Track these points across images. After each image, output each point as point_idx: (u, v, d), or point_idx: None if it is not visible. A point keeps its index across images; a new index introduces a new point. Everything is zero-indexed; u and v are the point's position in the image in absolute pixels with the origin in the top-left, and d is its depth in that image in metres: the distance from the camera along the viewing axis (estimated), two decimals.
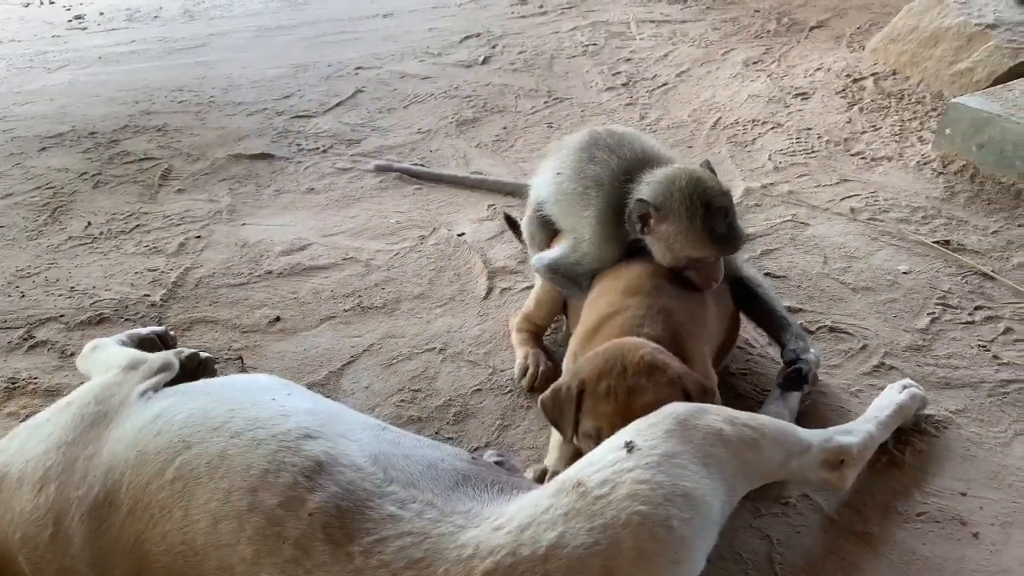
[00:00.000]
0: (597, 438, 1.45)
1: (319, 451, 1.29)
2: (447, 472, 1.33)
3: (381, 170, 3.02)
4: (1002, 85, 2.93)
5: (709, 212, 1.69)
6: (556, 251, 1.95)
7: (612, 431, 1.41)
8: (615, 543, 1.15)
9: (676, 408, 1.35)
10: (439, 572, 1.17)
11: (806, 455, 1.43)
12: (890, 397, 1.72)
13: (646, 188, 1.75)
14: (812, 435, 1.47)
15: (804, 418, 1.77)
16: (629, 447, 1.26)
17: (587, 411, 1.48)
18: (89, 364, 1.72)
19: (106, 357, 1.68)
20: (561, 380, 1.56)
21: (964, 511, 1.58)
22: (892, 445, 1.71)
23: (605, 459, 1.26)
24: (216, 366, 1.82)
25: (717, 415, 1.35)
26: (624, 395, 1.45)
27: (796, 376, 1.74)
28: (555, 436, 1.66)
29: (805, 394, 1.83)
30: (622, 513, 1.16)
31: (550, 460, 1.64)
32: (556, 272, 1.92)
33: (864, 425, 1.59)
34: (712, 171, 1.79)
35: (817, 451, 1.44)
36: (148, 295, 2.36)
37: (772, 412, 1.70)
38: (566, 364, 1.76)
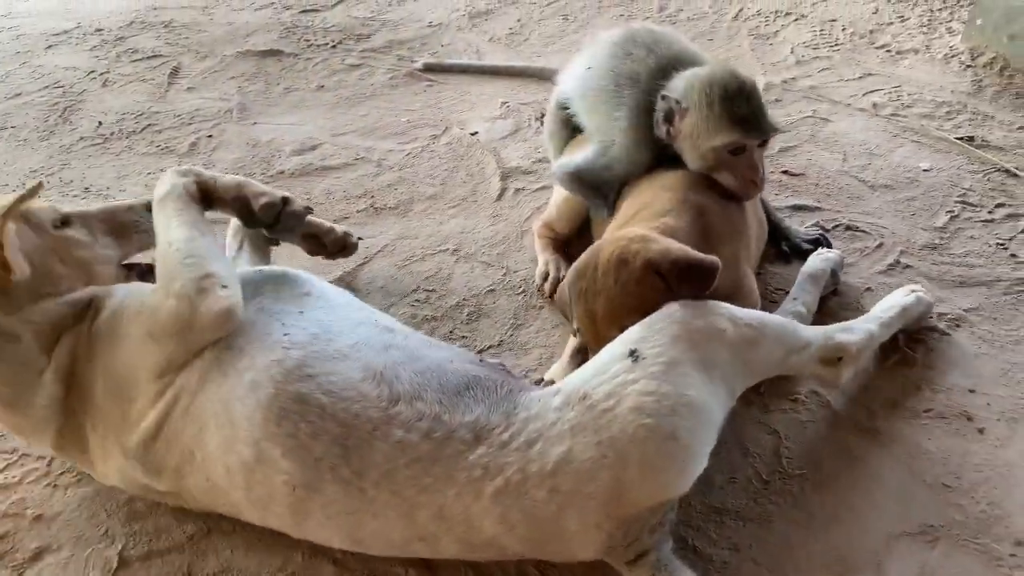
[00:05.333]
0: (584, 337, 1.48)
1: (318, 391, 1.28)
2: (455, 374, 1.34)
3: (430, 69, 2.94)
4: None
5: (726, 95, 1.62)
6: (581, 157, 1.87)
7: (586, 334, 1.45)
8: (622, 456, 1.18)
9: (680, 311, 1.32)
10: (450, 495, 1.21)
11: (804, 352, 1.42)
12: (896, 299, 1.69)
13: (671, 86, 1.70)
14: (813, 333, 1.47)
15: (816, 314, 1.77)
16: (634, 356, 1.26)
17: (572, 309, 1.49)
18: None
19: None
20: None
21: (971, 407, 1.60)
22: (903, 343, 1.72)
23: (610, 370, 1.26)
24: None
25: (720, 316, 1.33)
26: (592, 297, 1.43)
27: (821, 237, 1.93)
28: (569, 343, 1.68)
29: (830, 292, 1.84)
30: (629, 426, 1.18)
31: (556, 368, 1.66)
32: (581, 181, 1.86)
33: (865, 324, 1.56)
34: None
35: (816, 349, 1.44)
36: None
37: (791, 309, 1.71)
38: None
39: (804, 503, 1.45)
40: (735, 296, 1.48)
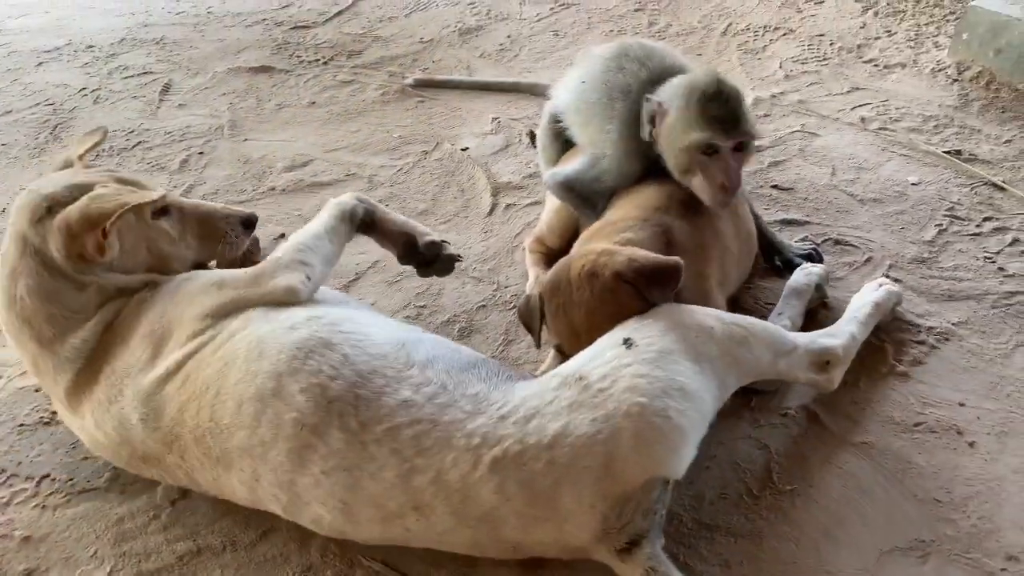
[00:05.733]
0: (560, 352, 1.51)
1: (346, 343, 1.37)
2: (464, 356, 1.44)
3: (421, 85, 2.95)
4: None
5: (704, 96, 1.64)
6: (572, 167, 1.88)
7: (570, 347, 1.47)
8: (616, 431, 1.23)
9: (670, 309, 1.42)
10: (448, 459, 1.25)
11: (793, 355, 1.49)
12: (867, 296, 1.75)
13: (658, 91, 1.71)
14: (797, 337, 1.54)
15: (807, 328, 1.76)
16: (627, 344, 1.34)
17: (548, 325, 1.52)
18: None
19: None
20: (534, 288, 1.58)
21: (961, 421, 1.60)
22: (892, 356, 1.73)
23: (605, 355, 1.33)
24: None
25: (707, 315, 1.43)
26: (571, 312, 1.47)
27: (813, 252, 1.94)
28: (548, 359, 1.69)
29: (820, 305, 1.85)
30: (623, 404, 1.24)
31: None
32: (571, 191, 1.87)
33: (846, 327, 1.63)
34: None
35: (803, 352, 1.51)
36: None
37: (777, 320, 1.72)
38: None
39: (795, 519, 1.45)
40: None
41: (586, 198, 1.87)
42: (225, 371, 1.35)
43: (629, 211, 1.69)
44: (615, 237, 1.58)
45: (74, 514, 1.53)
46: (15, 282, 1.48)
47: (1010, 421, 1.60)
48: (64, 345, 1.47)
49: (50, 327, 1.47)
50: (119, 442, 1.44)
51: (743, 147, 1.68)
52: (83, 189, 1.49)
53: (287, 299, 1.47)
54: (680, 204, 1.70)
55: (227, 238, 1.67)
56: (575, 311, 1.47)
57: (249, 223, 1.71)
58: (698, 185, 1.69)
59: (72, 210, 1.44)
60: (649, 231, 1.60)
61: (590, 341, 1.42)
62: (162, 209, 1.58)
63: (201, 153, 2.64)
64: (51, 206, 1.46)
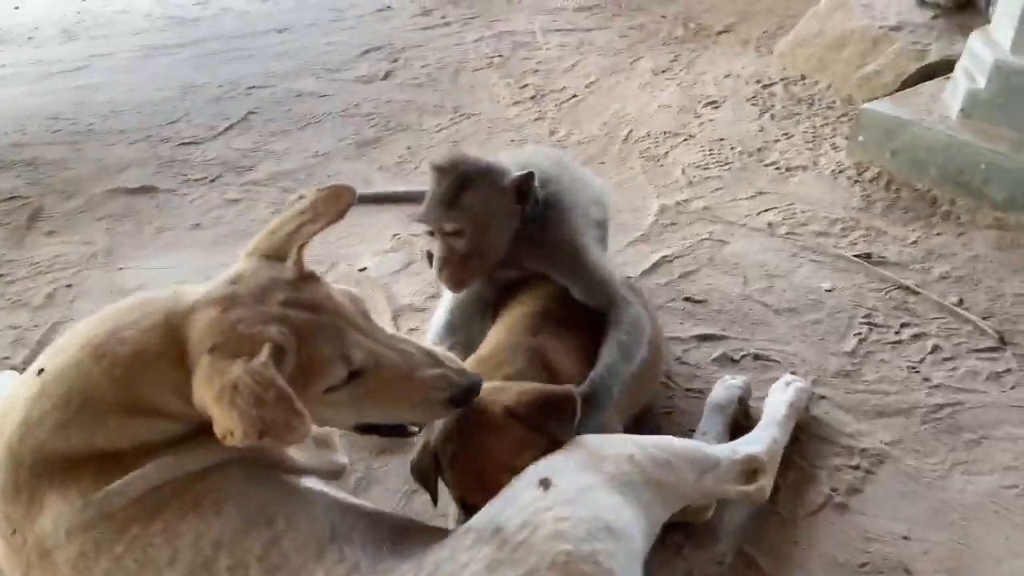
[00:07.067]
0: (464, 506, 1.36)
1: (281, 513, 1.18)
2: (380, 521, 1.29)
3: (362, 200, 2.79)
4: (911, 89, 2.90)
5: (432, 177, 1.62)
6: (434, 323, 1.80)
7: (472, 497, 1.33)
8: None
9: (585, 440, 1.32)
10: None
11: (718, 469, 1.41)
12: (779, 398, 1.71)
13: None
14: (718, 449, 1.47)
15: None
16: (544, 484, 1.21)
17: (446, 478, 1.37)
18: None
19: None
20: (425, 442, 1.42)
21: (908, 557, 1.48)
22: (828, 485, 1.61)
23: (521, 500, 1.20)
24: None
25: (624, 441, 1.35)
26: (469, 458, 1.33)
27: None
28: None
29: (743, 416, 1.76)
30: (546, 556, 1.11)
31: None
32: (452, 328, 1.75)
33: (765, 431, 1.58)
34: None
35: (727, 464, 1.43)
36: (8, 357, 2.10)
37: (700, 440, 1.62)
38: None
39: None
40: None
41: (469, 330, 1.73)
42: (196, 519, 1.14)
43: (500, 340, 1.58)
44: (494, 375, 1.44)
45: None
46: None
47: (957, 554, 1.48)
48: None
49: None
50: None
51: (460, 233, 1.59)
52: (247, 344, 1.12)
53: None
54: (552, 321, 1.59)
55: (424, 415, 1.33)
56: (473, 457, 1.32)
57: (469, 394, 1.29)
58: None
59: (221, 389, 1.09)
60: (523, 360, 1.48)
61: (497, 478, 1.28)
62: (353, 372, 1.21)
63: (69, 285, 2.40)
64: (213, 347, 1.13)
